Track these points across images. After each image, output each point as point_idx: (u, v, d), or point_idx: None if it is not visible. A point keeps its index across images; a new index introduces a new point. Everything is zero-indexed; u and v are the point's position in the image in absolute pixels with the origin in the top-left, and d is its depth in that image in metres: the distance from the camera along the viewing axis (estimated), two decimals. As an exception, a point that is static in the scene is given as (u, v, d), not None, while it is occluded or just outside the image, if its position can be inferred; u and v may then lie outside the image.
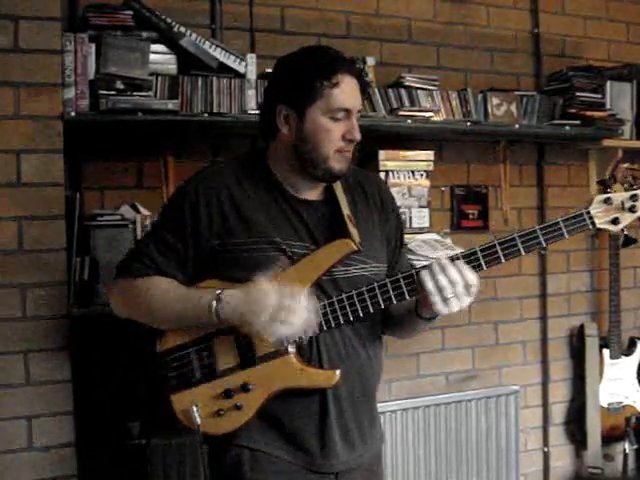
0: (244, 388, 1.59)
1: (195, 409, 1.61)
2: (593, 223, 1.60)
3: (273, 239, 1.61)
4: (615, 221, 1.60)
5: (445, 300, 1.54)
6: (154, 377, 1.68)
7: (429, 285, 1.54)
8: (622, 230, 1.63)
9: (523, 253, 1.59)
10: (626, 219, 1.60)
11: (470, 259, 1.59)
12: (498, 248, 1.59)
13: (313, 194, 1.71)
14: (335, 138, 1.62)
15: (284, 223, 1.65)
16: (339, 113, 1.61)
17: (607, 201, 1.60)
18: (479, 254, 1.59)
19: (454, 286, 1.53)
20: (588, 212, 1.60)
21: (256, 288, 1.53)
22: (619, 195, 1.61)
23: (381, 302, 1.61)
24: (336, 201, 1.70)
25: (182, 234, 1.63)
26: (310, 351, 1.62)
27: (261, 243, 1.61)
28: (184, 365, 1.64)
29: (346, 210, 1.69)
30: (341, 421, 1.65)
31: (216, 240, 1.62)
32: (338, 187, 1.72)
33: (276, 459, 1.64)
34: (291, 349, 1.60)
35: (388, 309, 1.73)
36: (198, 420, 1.60)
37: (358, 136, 1.64)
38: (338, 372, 1.60)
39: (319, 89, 1.59)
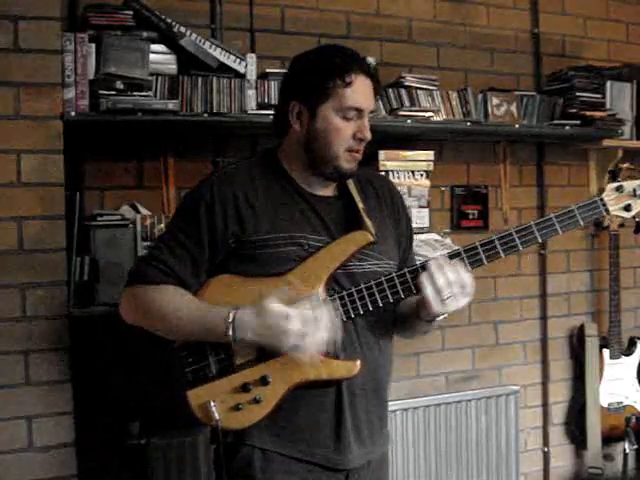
0: (263, 381, 1.58)
1: (213, 404, 1.59)
2: (607, 210, 1.65)
3: (290, 234, 1.62)
4: (627, 208, 1.66)
5: (442, 301, 1.56)
6: (168, 374, 1.67)
7: (427, 289, 1.56)
8: (634, 217, 1.70)
9: (540, 240, 1.63)
10: (638, 206, 1.67)
11: (488, 247, 1.62)
12: (515, 236, 1.62)
13: (326, 191, 1.72)
14: (346, 137, 1.64)
15: (300, 218, 1.65)
16: (351, 112, 1.63)
17: (619, 189, 1.66)
18: (496, 242, 1.62)
19: (451, 286, 1.55)
20: (602, 199, 1.65)
21: (272, 313, 1.51)
22: (631, 183, 1.67)
23: (390, 297, 1.62)
24: (350, 197, 1.71)
25: (198, 236, 1.63)
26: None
27: (278, 239, 1.61)
28: (200, 360, 1.62)
29: (360, 204, 1.70)
30: (354, 416, 1.66)
31: (232, 238, 1.62)
32: (351, 183, 1.73)
33: (288, 459, 1.63)
34: None
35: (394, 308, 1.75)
36: (217, 415, 1.59)
37: (369, 135, 1.66)
38: (358, 362, 1.60)
39: (332, 88, 1.61)
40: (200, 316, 1.59)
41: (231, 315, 1.54)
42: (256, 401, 1.59)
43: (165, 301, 1.61)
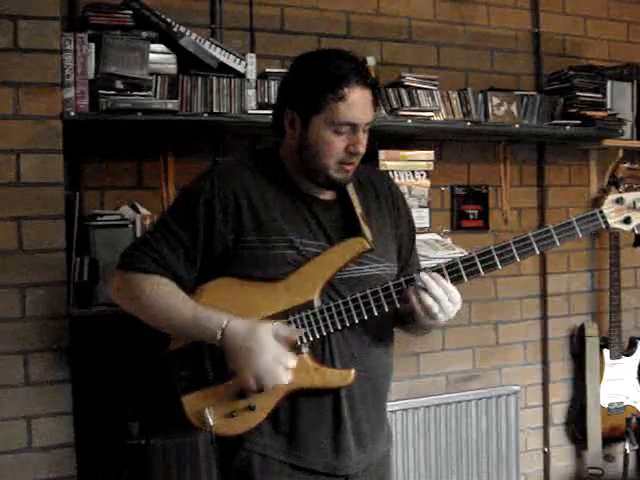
0: (258, 389, 1.57)
1: (208, 411, 1.59)
2: (606, 222, 1.63)
3: (288, 237, 1.60)
4: (627, 220, 1.64)
5: (431, 315, 1.57)
6: (164, 378, 1.66)
7: (416, 305, 1.57)
8: (633, 230, 1.67)
9: (537, 252, 1.61)
10: (638, 218, 1.64)
11: (483, 258, 1.60)
12: (513, 247, 1.60)
13: (325, 194, 1.70)
14: (336, 151, 1.60)
15: (299, 222, 1.64)
16: (343, 127, 1.58)
17: (619, 201, 1.64)
18: (494, 253, 1.60)
19: (439, 302, 1.56)
20: (601, 211, 1.63)
21: (257, 338, 1.54)
22: (631, 195, 1.64)
23: (385, 306, 1.61)
24: (349, 200, 1.69)
25: (195, 230, 1.60)
26: (322, 351, 1.61)
27: (276, 241, 1.60)
28: (196, 366, 1.62)
29: (359, 209, 1.68)
30: (354, 422, 1.65)
31: (231, 236, 1.60)
32: (350, 186, 1.71)
33: (287, 465, 1.63)
34: (304, 349, 1.59)
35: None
36: (211, 422, 1.59)
37: (362, 150, 1.62)
38: (353, 372, 1.60)
39: (324, 101, 1.57)
40: (194, 314, 1.58)
41: (225, 321, 1.55)
42: (250, 408, 1.59)
43: (157, 296, 1.59)
